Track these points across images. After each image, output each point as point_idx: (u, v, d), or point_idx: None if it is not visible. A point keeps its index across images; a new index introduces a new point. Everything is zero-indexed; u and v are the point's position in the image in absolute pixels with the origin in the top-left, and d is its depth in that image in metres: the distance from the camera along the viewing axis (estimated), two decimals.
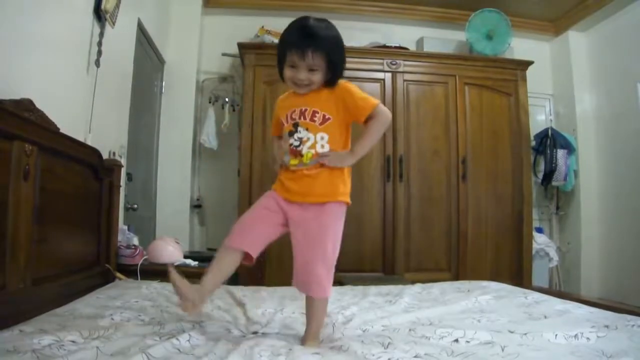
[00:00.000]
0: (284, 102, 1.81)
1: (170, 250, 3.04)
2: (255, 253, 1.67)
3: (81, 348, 1.31)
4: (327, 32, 1.66)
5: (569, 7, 4.97)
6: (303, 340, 1.62)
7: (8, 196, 1.69)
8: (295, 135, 1.70)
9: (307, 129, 1.70)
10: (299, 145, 1.69)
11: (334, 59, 1.66)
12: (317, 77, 1.67)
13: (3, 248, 1.66)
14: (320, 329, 1.68)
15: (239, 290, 2.52)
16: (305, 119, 1.70)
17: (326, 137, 1.69)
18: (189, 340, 1.45)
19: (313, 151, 1.69)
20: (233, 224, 1.69)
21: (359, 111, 1.70)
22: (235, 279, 3.86)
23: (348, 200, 1.74)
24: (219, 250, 1.69)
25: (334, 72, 1.68)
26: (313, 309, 1.66)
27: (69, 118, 2.40)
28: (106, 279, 2.63)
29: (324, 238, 1.66)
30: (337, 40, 1.69)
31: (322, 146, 1.69)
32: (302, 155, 1.69)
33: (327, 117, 1.70)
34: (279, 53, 1.70)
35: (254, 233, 1.69)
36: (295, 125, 1.71)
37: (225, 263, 1.68)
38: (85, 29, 2.66)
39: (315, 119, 1.70)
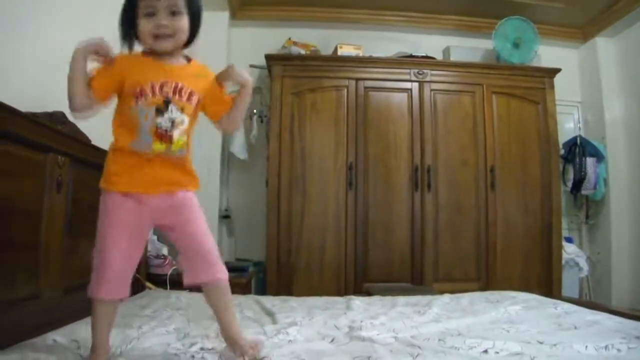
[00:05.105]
0: (141, 65, 1.47)
1: None
2: (128, 292, 1.46)
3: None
4: None
5: (596, 13, 4.91)
6: None
7: (42, 207, 1.74)
8: (166, 115, 1.42)
9: (181, 110, 1.45)
10: (170, 129, 1.42)
11: (195, 4, 1.51)
12: (182, 22, 1.46)
13: (37, 259, 1.71)
14: None
15: (268, 300, 2.55)
16: (181, 97, 1.45)
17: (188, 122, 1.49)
18: (213, 348, 1.48)
19: (185, 138, 1.47)
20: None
21: (224, 105, 1.62)
22: (263, 289, 3.90)
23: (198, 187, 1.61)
24: (97, 305, 1.39)
25: (193, 25, 1.52)
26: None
27: (100, 130, 2.45)
28: (136, 288, 2.69)
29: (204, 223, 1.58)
30: None
31: (188, 133, 1.50)
32: (171, 142, 1.43)
33: (198, 100, 1.52)
34: (127, 7, 1.49)
35: (127, 275, 1.44)
36: (167, 102, 1.42)
37: (111, 315, 1.42)
38: (113, 41, 2.72)
39: (192, 100, 1.49)
